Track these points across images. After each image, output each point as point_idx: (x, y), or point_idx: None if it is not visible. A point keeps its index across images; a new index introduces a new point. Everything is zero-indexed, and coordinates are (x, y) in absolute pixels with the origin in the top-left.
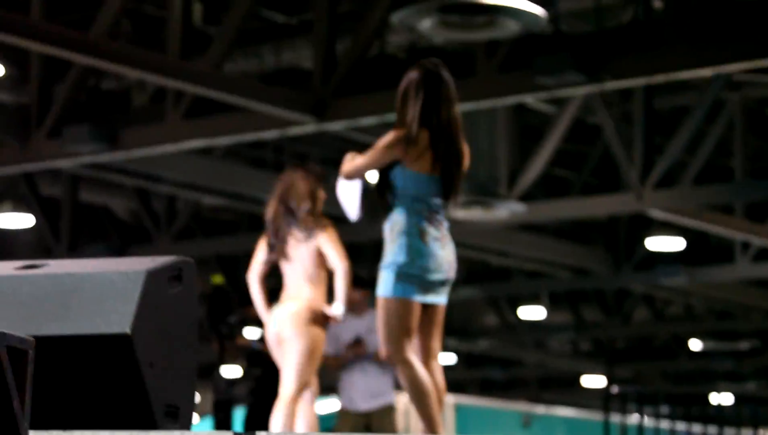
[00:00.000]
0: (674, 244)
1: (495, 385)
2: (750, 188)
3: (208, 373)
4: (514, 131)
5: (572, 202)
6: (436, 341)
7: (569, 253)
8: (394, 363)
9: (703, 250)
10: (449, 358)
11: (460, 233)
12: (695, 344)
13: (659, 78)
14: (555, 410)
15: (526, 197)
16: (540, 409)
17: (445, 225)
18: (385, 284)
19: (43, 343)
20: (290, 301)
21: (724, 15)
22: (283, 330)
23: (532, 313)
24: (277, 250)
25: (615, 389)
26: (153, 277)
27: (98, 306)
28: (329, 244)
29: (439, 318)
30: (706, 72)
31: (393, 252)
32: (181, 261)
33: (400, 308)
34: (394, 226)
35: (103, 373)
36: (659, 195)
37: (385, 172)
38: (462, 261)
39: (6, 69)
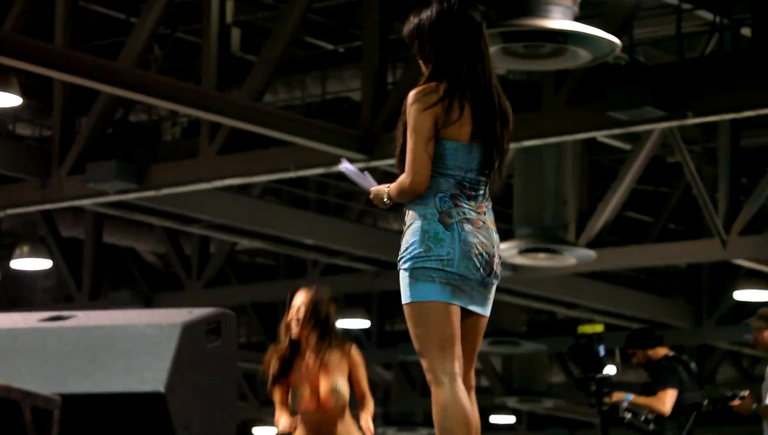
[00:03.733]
0: (763, 295)
1: None
2: None
3: (244, 432)
4: (584, 170)
5: (649, 248)
6: (472, 368)
7: (645, 305)
8: (430, 385)
9: None
10: (508, 419)
11: (523, 282)
12: None
13: (747, 113)
14: None
15: (596, 243)
16: None
17: (488, 206)
18: (403, 288)
19: (70, 401)
20: None
21: None
22: None
23: (603, 370)
24: None
25: None
26: (189, 330)
27: (130, 362)
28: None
29: (477, 335)
30: None
31: (407, 241)
32: (219, 313)
33: (423, 314)
34: (410, 210)
35: (134, 434)
36: (746, 242)
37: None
38: (526, 312)
39: (27, 100)
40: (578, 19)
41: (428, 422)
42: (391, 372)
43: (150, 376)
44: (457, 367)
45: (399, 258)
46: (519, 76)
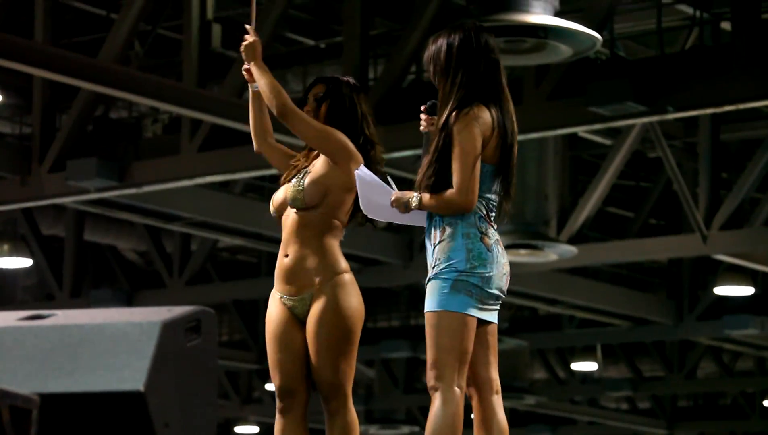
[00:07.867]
0: (743, 291)
1: None
2: None
3: (227, 431)
4: (565, 165)
5: (630, 244)
6: (495, 371)
7: (626, 301)
8: (433, 392)
9: None
10: None
11: None
12: None
13: (727, 107)
14: None
15: (578, 239)
16: None
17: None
18: (436, 295)
19: (50, 400)
20: None
21: None
22: None
23: (584, 366)
24: None
25: None
26: (169, 328)
27: (109, 361)
28: None
29: (495, 341)
30: None
31: (447, 256)
32: (199, 311)
33: (454, 325)
34: (449, 227)
35: (114, 433)
36: (727, 236)
37: (444, 164)
38: (507, 309)
39: (6, 97)
40: (559, 14)
41: (410, 420)
42: (373, 369)
43: (129, 374)
44: (464, 380)
45: (438, 269)
46: None
